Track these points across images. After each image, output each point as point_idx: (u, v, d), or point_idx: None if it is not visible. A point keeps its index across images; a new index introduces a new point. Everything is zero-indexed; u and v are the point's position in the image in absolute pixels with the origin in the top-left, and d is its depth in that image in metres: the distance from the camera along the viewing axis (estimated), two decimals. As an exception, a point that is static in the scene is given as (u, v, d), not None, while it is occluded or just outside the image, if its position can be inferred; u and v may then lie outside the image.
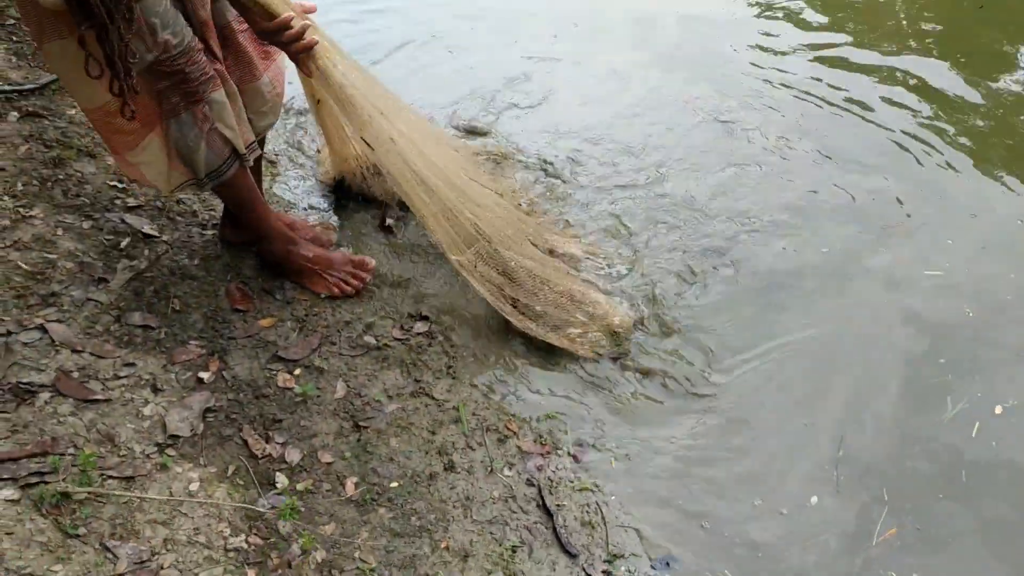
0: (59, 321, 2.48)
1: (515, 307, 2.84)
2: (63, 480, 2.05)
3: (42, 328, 2.44)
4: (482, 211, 2.84)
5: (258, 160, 2.88)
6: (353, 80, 2.52)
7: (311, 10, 2.45)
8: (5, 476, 2.02)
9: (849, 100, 4.28)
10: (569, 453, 2.56)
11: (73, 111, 3.33)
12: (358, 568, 2.12)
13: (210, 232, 3.02)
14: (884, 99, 4.27)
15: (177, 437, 2.29)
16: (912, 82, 4.42)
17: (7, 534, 1.91)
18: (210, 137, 2.41)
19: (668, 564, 2.31)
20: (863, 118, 4.14)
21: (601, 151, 3.88)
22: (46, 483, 2.03)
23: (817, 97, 4.30)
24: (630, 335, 2.92)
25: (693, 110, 4.19)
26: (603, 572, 2.26)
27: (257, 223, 2.76)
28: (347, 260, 2.93)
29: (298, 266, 2.85)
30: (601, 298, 2.96)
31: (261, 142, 2.78)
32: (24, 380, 2.27)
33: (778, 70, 4.53)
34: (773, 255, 3.31)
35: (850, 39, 4.86)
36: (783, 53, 4.71)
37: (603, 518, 2.40)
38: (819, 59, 4.65)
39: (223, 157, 2.48)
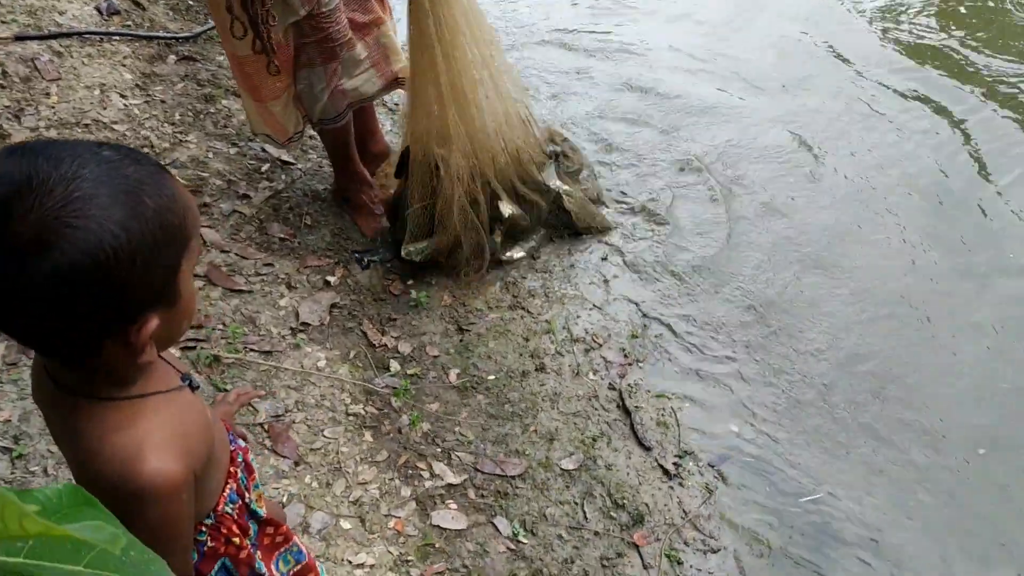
0: (210, 227, 2.88)
1: None
2: (214, 348, 2.44)
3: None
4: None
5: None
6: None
7: None
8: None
9: None
10: (650, 365, 2.82)
11: (221, 57, 3.76)
12: (458, 439, 2.44)
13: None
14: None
15: (307, 325, 2.65)
16: None
17: (171, 383, 2.29)
18: (334, 92, 2.75)
19: (724, 461, 2.55)
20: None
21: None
22: (202, 348, 2.41)
23: None
24: None
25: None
26: (674, 464, 2.51)
27: (345, 162, 3.09)
28: None
29: (361, 204, 3.16)
30: None
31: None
32: (183, 268, 2.67)
33: None
34: None
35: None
36: None
37: (677, 421, 2.65)
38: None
39: (339, 110, 2.81)
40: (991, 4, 5.05)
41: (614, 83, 4.30)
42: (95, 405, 0.98)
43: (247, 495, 1.30)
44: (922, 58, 4.53)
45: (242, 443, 1.34)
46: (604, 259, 3.22)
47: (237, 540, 1.25)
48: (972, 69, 4.41)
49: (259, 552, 1.37)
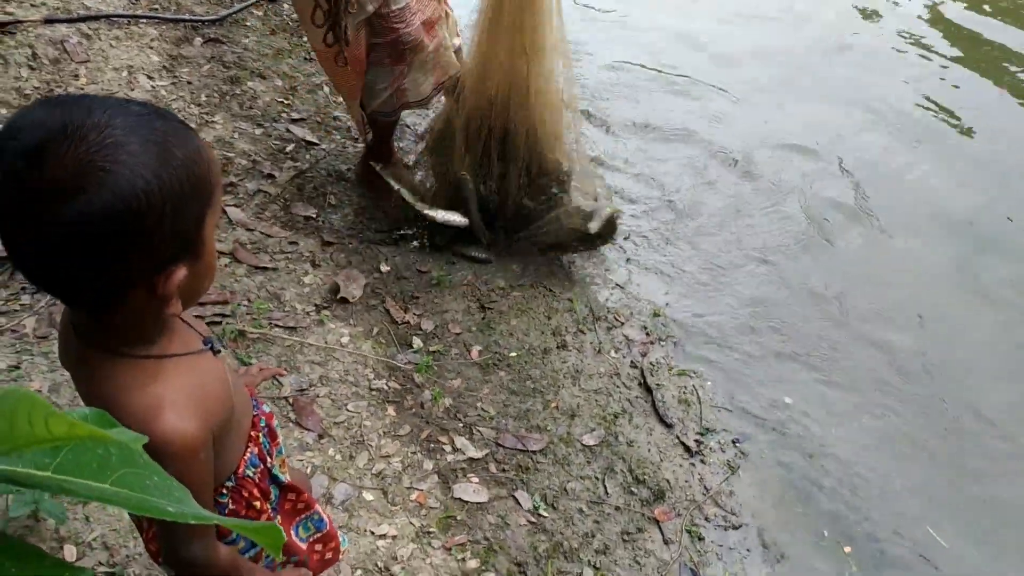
0: (236, 206, 2.91)
1: None
2: (239, 323, 2.47)
3: (222, 211, 2.87)
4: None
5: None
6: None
7: None
8: (195, 315, 2.44)
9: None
10: (672, 344, 2.83)
11: (247, 39, 3.79)
12: (479, 415, 2.46)
13: (360, 144, 3.41)
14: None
15: (333, 301, 2.67)
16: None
17: (198, 356, 2.32)
18: (396, 91, 2.80)
19: (747, 440, 2.55)
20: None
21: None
22: (228, 323, 2.44)
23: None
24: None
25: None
26: (696, 441, 2.52)
27: (385, 145, 3.14)
28: None
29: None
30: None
31: None
32: (209, 246, 2.70)
33: None
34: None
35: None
36: None
37: (699, 398, 2.65)
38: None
39: (395, 107, 2.86)
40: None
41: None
42: (118, 361, 1.00)
43: (269, 460, 1.32)
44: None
45: (266, 409, 1.36)
46: (627, 238, 3.22)
47: (258, 504, 1.27)
48: None
49: (279, 517, 1.39)
